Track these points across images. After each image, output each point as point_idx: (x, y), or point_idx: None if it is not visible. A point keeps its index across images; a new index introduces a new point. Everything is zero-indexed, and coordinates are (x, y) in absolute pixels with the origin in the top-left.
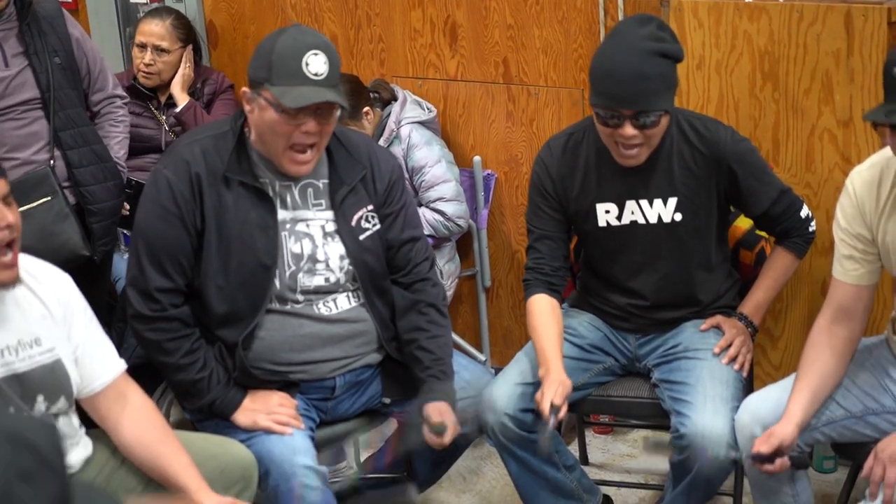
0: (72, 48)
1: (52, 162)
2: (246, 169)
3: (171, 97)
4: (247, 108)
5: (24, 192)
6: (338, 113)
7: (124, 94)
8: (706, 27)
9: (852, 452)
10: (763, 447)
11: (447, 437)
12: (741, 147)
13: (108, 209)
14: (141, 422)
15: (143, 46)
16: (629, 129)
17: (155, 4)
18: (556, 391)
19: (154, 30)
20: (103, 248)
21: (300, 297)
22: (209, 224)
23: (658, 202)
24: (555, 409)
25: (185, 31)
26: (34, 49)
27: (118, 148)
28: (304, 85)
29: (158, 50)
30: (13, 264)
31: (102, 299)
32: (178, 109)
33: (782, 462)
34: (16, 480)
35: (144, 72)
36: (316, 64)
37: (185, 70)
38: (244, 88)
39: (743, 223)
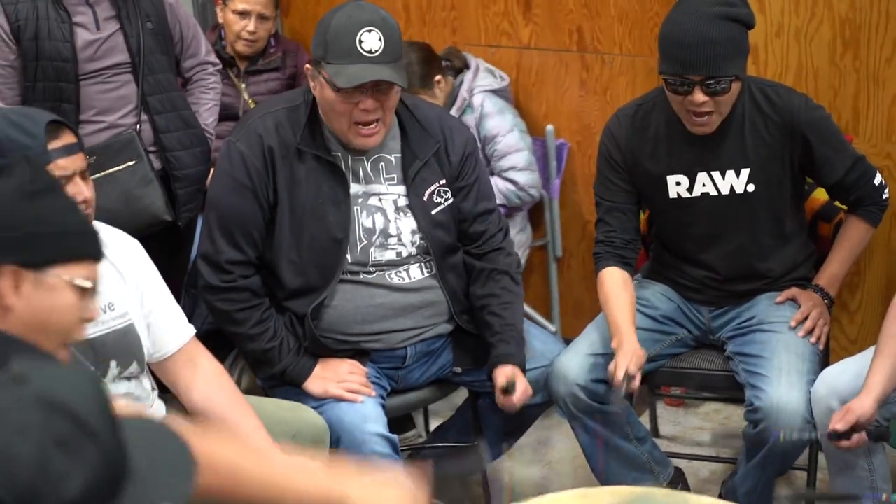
0: (165, 14)
1: (138, 126)
2: (319, 142)
3: (251, 65)
4: (311, 84)
5: (109, 156)
6: (398, 88)
7: (217, 61)
8: None
9: None
10: (839, 424)
11: (517, 396)
12: (815, 114)
13: (193, 175)
14: (211, 386)
15: (245, 14)
16: (699, 96)
17: None
18: (630, 360)
19: None
20: (188, 214)
21: (372, 269)
22: (282, 197)
23: (731, 173)
24: (628, 377)
25: None
26: (126, 13)
27: (207, 115)
28: (359, 63)
29: (262, 17)
30: None
31: (187, 265)
32: None
33: (859, 438)
34: (53, 450)
35: (248, 39)
36: (370, 41)
37: None
38: (307, 65)
39: (820, 194)
